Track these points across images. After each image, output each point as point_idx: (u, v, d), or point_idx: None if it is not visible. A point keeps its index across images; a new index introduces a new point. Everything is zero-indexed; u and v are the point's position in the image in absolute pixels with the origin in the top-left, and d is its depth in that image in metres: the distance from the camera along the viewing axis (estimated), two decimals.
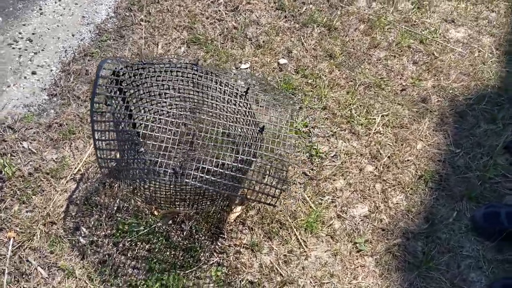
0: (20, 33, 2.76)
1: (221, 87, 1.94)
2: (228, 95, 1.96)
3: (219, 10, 2.96)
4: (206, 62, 2.70)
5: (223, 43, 2.80)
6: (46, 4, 2.92)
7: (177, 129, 2.04)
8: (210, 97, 2.01)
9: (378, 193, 2.30)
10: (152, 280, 1.99)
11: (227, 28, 2.87)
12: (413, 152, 2.43)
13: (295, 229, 2.18)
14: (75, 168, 2.29)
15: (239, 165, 1.71)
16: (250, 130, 1.98)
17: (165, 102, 2.13)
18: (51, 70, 2.62)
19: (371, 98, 2.64)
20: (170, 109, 2.22)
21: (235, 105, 1.96)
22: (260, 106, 2.52)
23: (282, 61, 2.75)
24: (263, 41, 2.83)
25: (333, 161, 2.40)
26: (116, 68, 1.87)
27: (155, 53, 2.69)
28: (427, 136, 2.50)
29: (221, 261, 2.08)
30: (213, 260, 2.08)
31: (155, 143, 2.03)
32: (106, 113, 1.93)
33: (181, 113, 2.21)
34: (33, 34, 2.76)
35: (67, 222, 2.14)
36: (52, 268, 2.02)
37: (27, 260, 2.03)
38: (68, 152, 2.34)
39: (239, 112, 1.98)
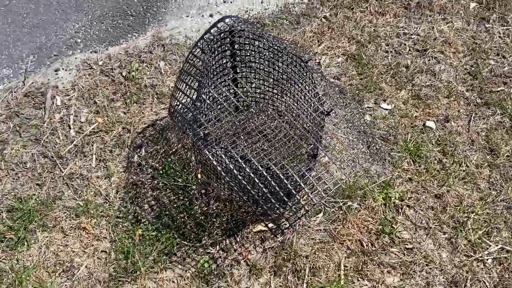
0: None
1: (307, 94, 1.76)
2: (312, 106, 1.77)
3: (404, 43, 2.66)
4: (350, 81, 2.48)
5: (381, 74, 2.52)
6: None
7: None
8: (296, 100, 1.85)
9: None
10: (149, 227, 2.00)
11: (398, 63, 2.57)
12: None
13: (305, 284, 1.88)
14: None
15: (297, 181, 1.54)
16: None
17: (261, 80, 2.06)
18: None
19: (506, 221, 2.04)
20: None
21: (313, 120, 1.75)
22: (347, 139, 2.21)
23: (429, 124, 2.33)
24: (425, 95, 2.43)
25: (403, 253, 1.96)
26: (234, 26, 1.88)
27: (312, 49, 2.59)
28: None
29: (217, 257, 1.95)
30: (210, 251, 1.96)
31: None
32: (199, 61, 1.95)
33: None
34: None
35: (138, 137, 2.29)
36: (102, 163, 2.21)
37: (91, 143, 2.26)
38: None
39: (313, 127, 1.77)
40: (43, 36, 2.75)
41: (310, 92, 1.76)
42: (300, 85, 1.77)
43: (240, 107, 2.25)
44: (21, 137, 2.30)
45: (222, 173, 1.69)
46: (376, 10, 2.82)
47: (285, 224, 2.00)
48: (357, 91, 2.44)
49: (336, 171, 2.16)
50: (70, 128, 2.34)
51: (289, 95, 2.00)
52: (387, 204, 2.08)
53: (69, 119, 2.37)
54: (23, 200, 2.09)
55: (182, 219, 2.03)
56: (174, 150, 2.23)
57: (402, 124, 2.34)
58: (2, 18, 2.81)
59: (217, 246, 1.97)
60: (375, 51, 2.62)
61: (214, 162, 1.59)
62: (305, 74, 1.83)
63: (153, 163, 2.20)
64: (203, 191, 2.08)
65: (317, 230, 2.01)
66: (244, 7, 2.87)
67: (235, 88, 1.98)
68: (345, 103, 2.38)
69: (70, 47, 2.71)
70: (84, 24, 2.82)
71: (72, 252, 1.97)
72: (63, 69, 2.60)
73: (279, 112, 2.18)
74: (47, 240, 1.99)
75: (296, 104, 1.91)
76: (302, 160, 1.98)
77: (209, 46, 1.85)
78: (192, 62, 1.86)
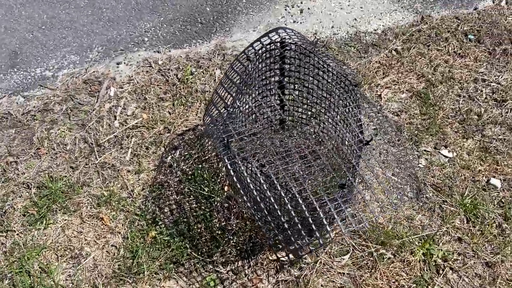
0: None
1: (349, 119, 1.59)
2: (352, 133, 1.59)
3: (481, 90, 2.39)
4: (411, 119, 2.25)
5: (447, 118, 2.27)
6: None
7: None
8: (334, 124, 1.69)
9: None
10: (164, 231, 1.91)
11: (469, 110, 2.30)
12: None
13: None
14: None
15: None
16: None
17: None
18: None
19: None
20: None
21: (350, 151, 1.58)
22: (393, 179, 1.97)
23: (494, 181, 2.03)
24: (495, 149, 2.14)
25: None
26: (285, 39, 1.78)
27: (375, 81, 2.41)
28: None
29: (225, 278, 1.80)
30: (220, 269, 1.82)
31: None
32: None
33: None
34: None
35: (176, 139, 2.24)
36: (136, 158, 2.18)
37: (130, 137, 2.25)
38: None
39: (348, 155, 1.59)
40: (115, 31, 2.85)
41: (352, 117, 1.59)
42: (341, 108, 1.61)
43: (286, 120, 2.12)
44: (70, 120, 2.35)
45: (241, 191, 1.57)
46: (455, 51, 2.58)
47: (305, 259, 1.81)
48: (415, 132, 2.21)
49: (375, 213, 1.94)
50: (115, 118, 2.35)
51: (329, 115, 1.84)
52: (427, 262, 1.82)
53: (117, 110, 2.38)
54: (54, 180, 2.10)
55: (199, 230, 1.91)
56: (207, 157, 2.15)
57: (461, 176, 2.07)
58: (83, 9, 2.96)
59: (228, 266, 1.83)
60: (446, 93, 2.38)
61: (231, 172, 1.47)
62: (351, 98, 1.67)
63: (184, 167, 2.13)
64: (226, 204, 1.96)
65: (339, 273, 1.80)
66: (313, 29, 2.77)
67: (282, 97, 1.86)
68: (399, 141, 2.16)
69: (137, 44, 2.77)
70: (155, 25, 2.88)
71: (84, 240, 1.92)
72: (124, 63, 2.65)
73: (319, 135, 2.03)
74: (65, 223, 1.97)
75: (334, 128, 1.75)
76: (335, 191, 1.80)
77: (256, 55, 1.77)
78: (236, 68, 1.78)
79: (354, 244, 1.85)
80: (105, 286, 1.80)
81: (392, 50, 2.60)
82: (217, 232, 1.90)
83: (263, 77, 1.86)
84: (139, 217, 1.97)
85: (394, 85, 2.42)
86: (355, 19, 2.83)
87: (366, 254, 1.83)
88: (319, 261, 1.81)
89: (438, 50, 2.60)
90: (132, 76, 2.55)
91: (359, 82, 1.77)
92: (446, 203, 1.98)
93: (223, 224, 1.92)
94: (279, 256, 1.83)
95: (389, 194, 1.99)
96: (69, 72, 2.62)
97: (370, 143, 1.53)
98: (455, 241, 1.89)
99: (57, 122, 2.35)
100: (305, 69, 1.84)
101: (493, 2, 2.88)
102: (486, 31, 2.67)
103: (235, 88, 1.72)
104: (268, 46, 1.79)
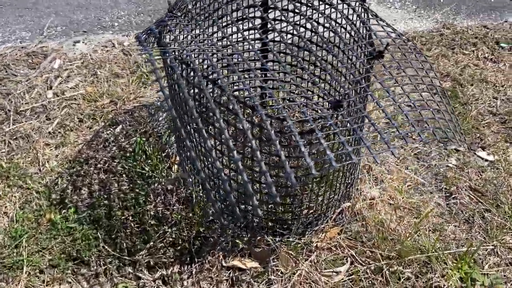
0: None
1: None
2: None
3: None
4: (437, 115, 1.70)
5: (482, 118, 1.71)
6: None
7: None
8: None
9: None
10: (71, 216, 1.28)
11: (509, 112, 1.76)
12: None
13: None
14: None
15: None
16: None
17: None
18: None
19: None
20: None
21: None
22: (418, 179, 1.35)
23: None
24: None
25: None
26: None
27: None
28: None
29: (148, 287, 1.14)
30: (143, 276, 1.16)
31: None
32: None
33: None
34: None
35: (123, 115, 1.69)
36: (62, 130, 1.61)
37: (62, 108, 1.70)
38: None
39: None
40: (82, 14, 2.43)
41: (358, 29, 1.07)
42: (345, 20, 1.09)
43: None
44: None
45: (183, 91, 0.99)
46: (486, 56, 2.11)
47: (276, 266, 1.16)
48: (441, 128, 1.65)
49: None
50: (50, 88, 1.82)
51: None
52: None
53: (55, 81, 1.86)
54: None
55: (123, 217, 1.28)
56: (158, 133, 1.57)
57: (509, 183, 1.46)
58: None
59: (157, 272, 1.17)
60: (480, 93, 1.85)
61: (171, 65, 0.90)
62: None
63: (123, 143, 1.55)
64: (170, 186, 1.35)
65: None
66: None
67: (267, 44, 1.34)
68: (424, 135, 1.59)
69: (104, 28, 2.33)
70: (131, 13, 2.47)
71: None
72: (83, 42, 2.19)
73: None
74: None
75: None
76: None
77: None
78: None
79: (354, 254, 1.20)
80: None
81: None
82: (149, 221, 1.27)
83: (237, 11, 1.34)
84: (41, 196, 1.35)
85: (413, 79, 1.90)
86: None
87: (372, 269, 1.17)
88: (299, 272, 1.15)
89: (464, 54, 2.12)
90: (87, 53, 2.07)
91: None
92: (490, 213, 1.36)
93: (160, 211, 1.29)
94: (238, 263, 1.18)
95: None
96: (13, 46, 2.14)
97: (383, 55, 0.99)
98: (507, 265, 1.23)
99: None
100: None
101: None
102: None
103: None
104: None
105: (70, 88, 1.83)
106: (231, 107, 0.84)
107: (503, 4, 2.64)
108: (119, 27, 2.34)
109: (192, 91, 1.00)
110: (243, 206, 1.18)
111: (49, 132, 1.60)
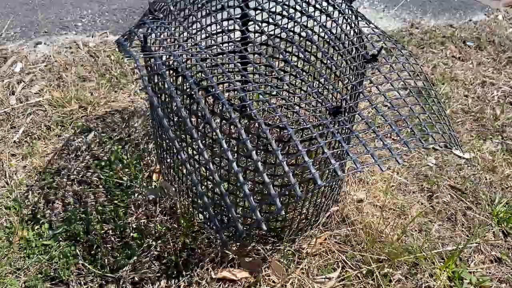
0: None
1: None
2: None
3: (492, 93, 1.92)
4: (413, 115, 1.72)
5: (456, 116, 1.75)
6: None
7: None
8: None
9: None
10: (46, 232, 1.20)
11: (481, 110, 1.80)
12: None
13: None
14: None
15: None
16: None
17: None
18: None
19: None
20: None
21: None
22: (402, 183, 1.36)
23: None
24: None
25: None
26: None
27: None
28: None
29: None
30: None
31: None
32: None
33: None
34: None
35: (94, 121, 1.60)
36: (29, 139, 1.51)
37: (27, 115, 1.59)
38: None
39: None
40: (43, 14, 2.30)
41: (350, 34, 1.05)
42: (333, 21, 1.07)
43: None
44: None
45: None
46: (454, 55, 2.16)
47: (268, 276, 1.13)
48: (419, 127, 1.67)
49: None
50: (13, 94, 1.71)
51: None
52: None
53: (18, 86, 1.75)
54: None
55: (103, 232, 1.21)
56: (134, 140, 1.50)
57: (486, 180, 1.49)
58: None
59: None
60: (451, 92, 1.89)
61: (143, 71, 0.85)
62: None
63: (97, 152, 1.47)
64: (152, 197, 1.29)
65: None
66: None
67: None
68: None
69: (66, 28, 2.21)
70: (94, 12, 2.36)
71: None
72: (45, 43, 2.07)
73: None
74: None
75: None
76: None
77: None
78: None
79: (345, 259, 1.19)
80: None
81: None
82: (131, 235, 1.20)
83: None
84: (10, 211, 1.26)
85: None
86: None
87: (364, 273, 1.17)
88: (291, 280, 1.12)
89: (433, 53, 2.16)
90: (50, 55, 1.96)
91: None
92: (471, 211, 1.38)
93: (143, 223, 1.23)
94: (228, 274, 1.14)
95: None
96: None
97: (377, 58, 0.98)
98: (491, 262, 1.26)
99: None
100: None
101: (487, 16, 2.55)
102: (487, 39, 2.29)
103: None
104: None
105: (35, 94, 1.72)
106: (227, 115, 0.80)
107: (465, 4, 2.72)
108: (83, 27, 2.23)
109: (185, 100, 0.95)
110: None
111: (15, 142, 1.50)
